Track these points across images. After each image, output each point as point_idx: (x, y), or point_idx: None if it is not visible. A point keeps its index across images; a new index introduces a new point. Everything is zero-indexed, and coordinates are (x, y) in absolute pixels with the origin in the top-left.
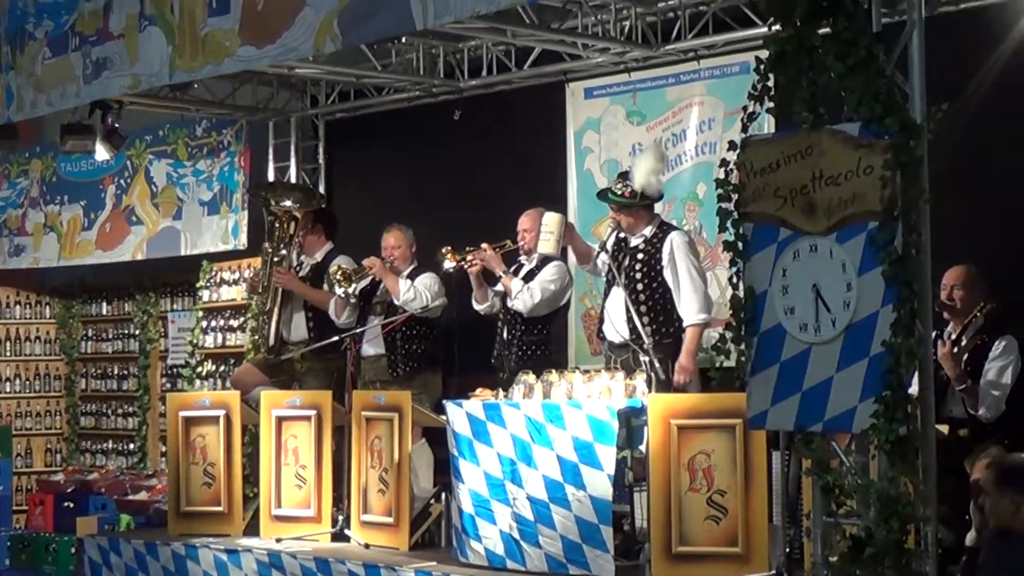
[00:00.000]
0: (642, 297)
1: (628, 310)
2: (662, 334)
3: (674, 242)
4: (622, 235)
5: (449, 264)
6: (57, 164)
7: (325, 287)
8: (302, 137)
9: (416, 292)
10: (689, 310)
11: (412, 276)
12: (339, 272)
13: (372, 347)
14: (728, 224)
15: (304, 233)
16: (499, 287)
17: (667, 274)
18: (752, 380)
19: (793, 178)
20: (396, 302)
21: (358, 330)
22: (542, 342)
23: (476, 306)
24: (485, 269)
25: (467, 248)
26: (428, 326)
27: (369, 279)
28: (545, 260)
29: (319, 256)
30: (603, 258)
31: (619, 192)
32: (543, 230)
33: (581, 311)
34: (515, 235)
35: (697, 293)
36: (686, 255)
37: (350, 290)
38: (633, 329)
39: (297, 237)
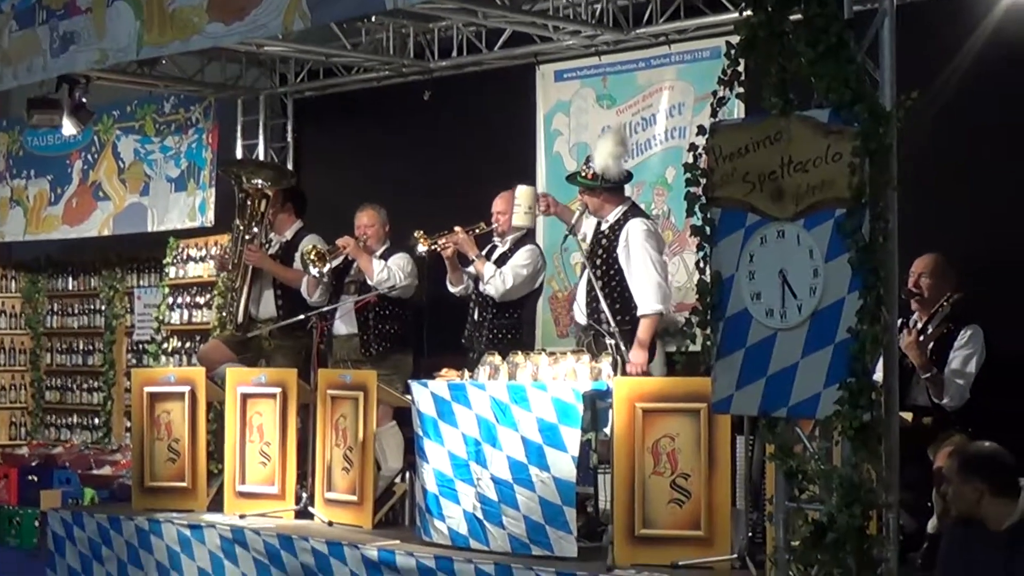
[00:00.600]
0: (602, 282)
1: (591, 293)
2: (620, 320)
3: (631, 229)
4: (592, 218)
5: (422, 248)
6: (24, 138)
7: (297, 266)
8: (271, 115)
9: (389, 272)
10: (641, 300)
11: (385, 256)
12: (313, 251)
13: (344, 326)
14: (696, 209)
15: (274, 211)
16: (472, 269)
17: (622, 261)
18: (717, 364)
19: (762, 164)
20: (369, 282)
21: (325, 309)
22: (513, 326)
23: (451, 288)
24: (459, 251)
25: (440, 232)
26: (401, 306)
27: (342, 258)
28: (518, 243)
29: (288, 234)
30: (570, 241)
31: (583, 175)
32: (515, 203)
33: (548, 293)
34: (487, 217)
35: (650, 283)
36: (642, 244)
37: (324, 269)
38: (595, 312)
39: (267, 215)
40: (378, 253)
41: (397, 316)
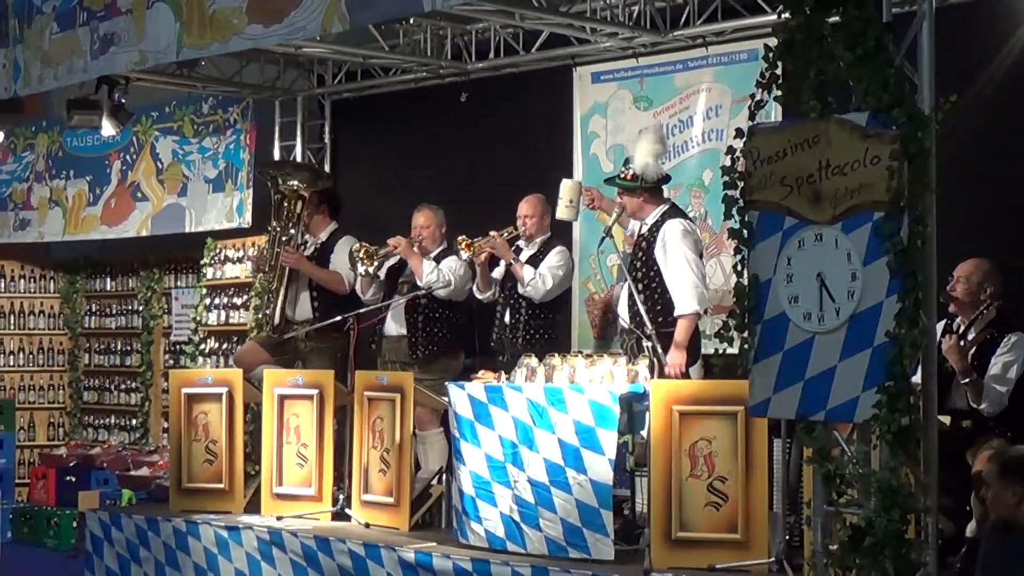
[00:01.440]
0: (641, 284)
1: (632, 296)
2: (659, 323)
3: (667, 230)
4: (631, 221)
5: (464, 254)
6: (63, 139)
7: (333, 267)
8: (308, 116)
9: (439, 274)
10: (679, 301)
11: (439, 258)
12: (362, 250)
13: (395, 327)
14: (733, 211)
15: (310, 212)
16: (496, 273)
17: (660, 261)
18: (755, 368)
19: (800, 167)
20: (419, 283)
21: (363, 310)
22: (548, 326)
23: (478, 294)
24: (493, 255)
25: (476, 238)
26: (451, 310)
27: (393, 258)
28: (547, 246)
29: (324, 236)
30: (607, 243)
31: (622, 176)
32: (559, 196)
33: (584, 296)
34: (515, 220)
35: (687, 284)
36: (679, 243)
37: (370, 269)
38: (636, 315)
39: (303, 216)
40: (433, 254)
41: (447, 319)
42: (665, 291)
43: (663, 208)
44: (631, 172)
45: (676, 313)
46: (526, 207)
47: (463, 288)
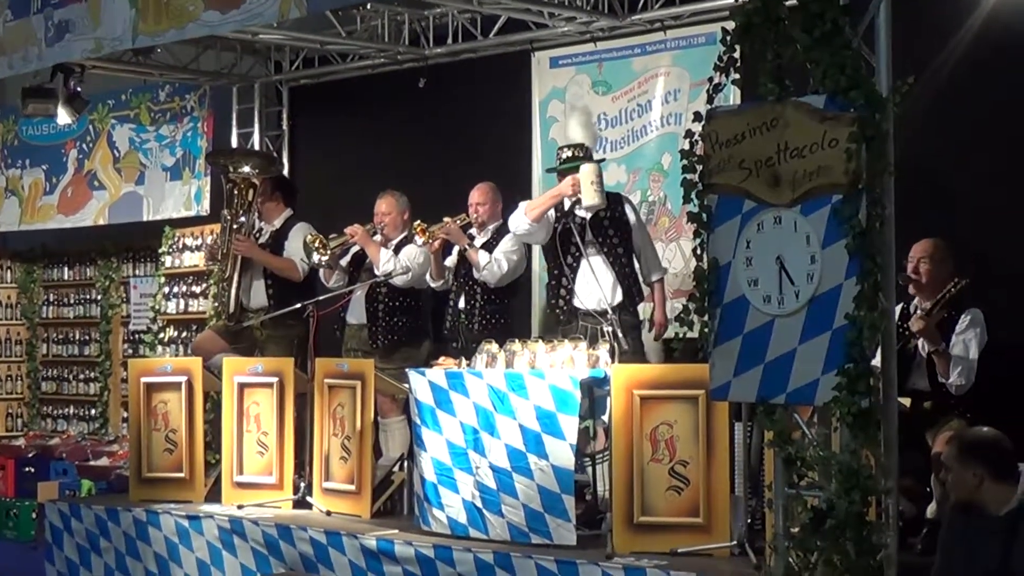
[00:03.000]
0: (625, 261)
1: (591, 277)
2: (639, 297)
3: (631, 205)
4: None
5: (419, 240)
6: (19, 128)
7: (288, 254)
8: (266, 103)
9: (396, 262)
10: (654, 267)
11: (403, 246)
12: (316, 240)
13: (355, 316)
14: (692, 195)
15: (263, 200)
16: (449, 260)
17: (635, 237)
18: (715, 351)
19: (758, 150)
20: (376, 272)
21: (322, 297)
22: (503, 311)
23: (431, 282)
24: (446, 243)
25: (430, 223)
26: (413, 298)
27: (356, 246)
28: (500, 233)
29: (278, 223)
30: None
31: (575, 154)
32: (586, 182)
33: (545, 280)
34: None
35: (654, 250)
36: (641, 218)
37: (324, 258)
38: (631, 296)
39: (256, 204)
40: (395, 241)
41: (408, 309)
42: (630, 264)
43: None
44: (587, 150)
45: (655, 277)
46: (477, 195)
47: (423, 275)
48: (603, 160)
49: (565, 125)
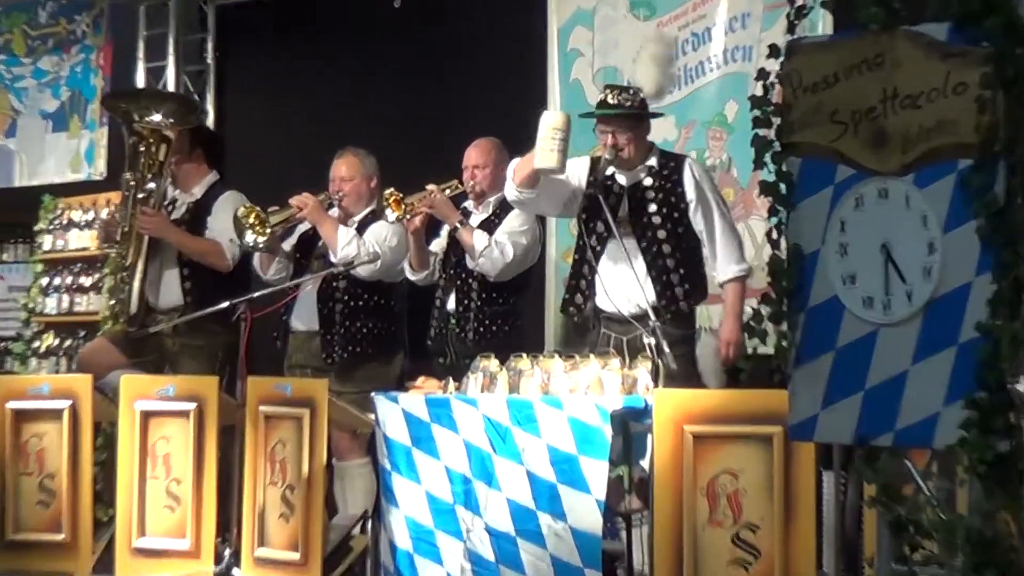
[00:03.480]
0: (666, 250)
1: (652, 271)
2: (695, 298)
3: (695, 171)
4: (609, 172)
5: (392, 215)
6: None
7: (213, 234)
8: (185, 29)
9: (361, 245)
10: (728, 260)
11: (368, 223)
12: (251, 214)
13: (302, 320)
14: (767, 158)
15: (178, 159)
16: (434, 246)
17: (695, 216)
18: (797, 373)
19: (857, 97)
20: (332, 258)
21: (257, 294)
22: (509, 315)
23: (410, 274)
24: (431, 220)
25: (407, 194)
26: (383, 296)
27: (303, 225)
28: (505, 206)
29: (199, 191)
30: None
31: (620, 102)
32: (545, 134)
33: (563, 274)
34: (461, 174)
35: (734, 236)
36: (713, 188)
37: (261, 239)
38: (669, 296)
39: (169, 165)
40: (357, 218)
41: (376, 310)
42: (697, 255)
43: (655, 149)
44: (640, 97)
45: (725, 277)
46: (476, 155)
47: (397, 264)
48: (659, 115)
49: (635, 63)
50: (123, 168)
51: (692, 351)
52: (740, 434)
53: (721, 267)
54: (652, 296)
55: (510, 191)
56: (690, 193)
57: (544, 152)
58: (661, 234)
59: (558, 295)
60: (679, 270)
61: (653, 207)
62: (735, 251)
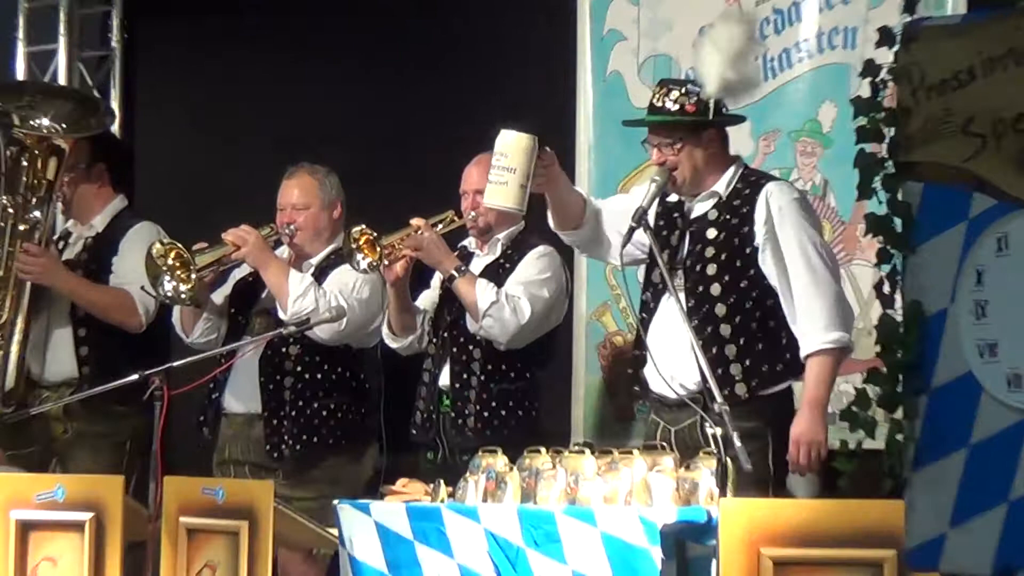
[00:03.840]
0: (719, 311)
1: (692, 338)
2: (759, 379)
3: (774, 201)
4: (674, 196)
5: (364, 260)
6: None
7: (120, 280)
8: (80, 1)
9: (320, 297)
10: (813, 324)
11: (328, 267)
12: (171, 253)
13: (239, 398)
14: (876, 183)
15: (73, 179)
16: (422, 301)
17: (765, 261)
18: (917, 478)
19: (1000, 101)
20: (281, 314)
21: (178, 363)
22: (522, 394)
23: (388, 339)
24: (417, 265)
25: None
26: (349, 367)
27: (239, 268)
28: (519, 245)
29: (100, 222)
30: (640, 240)
31: (670, 105)
32: (496, 161)
33: (597, 337)
34: (459, 202)
35: (824, 292)
36: (800, 222)
37: (185, 288)
38: (720, 376)
39: (60, 186)
40: (314, 260)
41: (340, 387)
42: (768, 317)
43: (736, 170)
44: (694, 98)
45: (809, 349)
46: (478, 175)
47: (370, 324)
48: (742, 120)
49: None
50: None
51: (767, 447)
52: (838, 560)
53: (802, 334)
54: (694, 374)
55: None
56: (759, 232)
57: (490, 186)
58: (715, 289)
59: (589, 366)
60: (738, 339)
61: (711, 251)
62: (823, 312)
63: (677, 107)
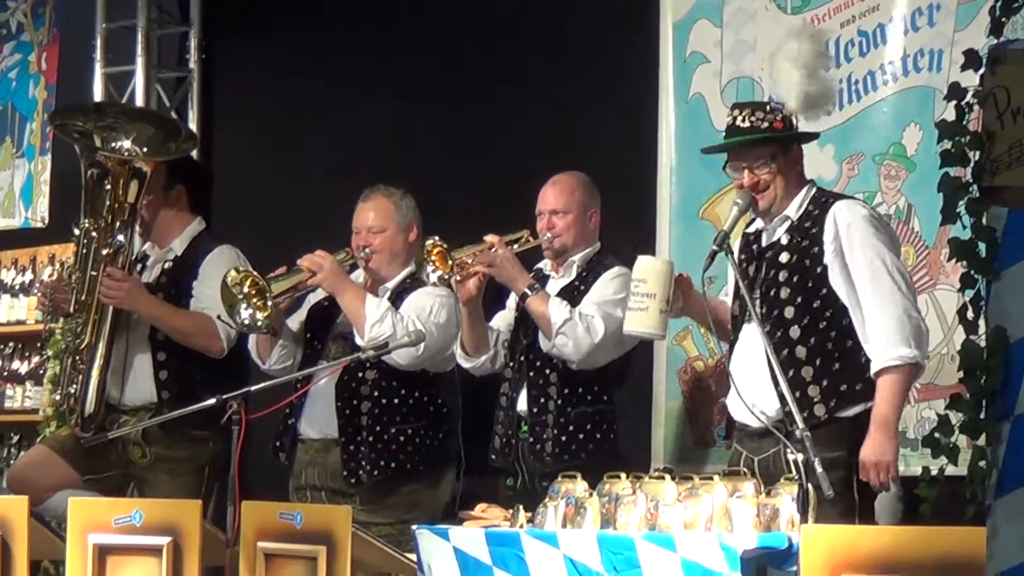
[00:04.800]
0: (793, 334)
1: (771, 363)
2: (836, 399)
3: (842, 219)
4: (753, 227)
5: (434, 273)
6: None
7: (201, 305)
8: (159, 20)
9: (398, 321)
10: (880, 341)
11: (405, 289)
12: (247, 280)
13: (315, 425)
14: (960, 208)
15: (152, 203)
16: (498, 322)
17: (835, 279)
18: (1000, 505)
19: None
20: (358, 340)
21: (256, 387)
22: (599, 418)
23: (461, 359)
24: (491, 284)
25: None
26: (427, 391)
27: (314, 293)
28: (593, 267)
29: (179, 245)
30: (731, 272)
31: (756, 123)
32: (635, 288)
33: (679, 363)
34: (534, 221)
35: (892, 308)
36: (869, 238)
37: (262, 315)
38: (798, 400)
39: (141, 210)
40: (391, 284)
41: (419, 412)
42: (842, 337)
43: (809, 190)
44: (780, 116)
45: (879, 364)
46: (554, 196)
47: (448, 348)
48: (811, 137)
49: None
50: (70, 212)
51: (851, 476)
52: None
53: (871, 351)
54: (772, 400)
55: None
56: (828, 250)
57: (629, 313)
58: (788, 312)
59: (670, 392)
60: (814, 360)
61: (783, 275)
62: (890, 328)
63: (766, 124)
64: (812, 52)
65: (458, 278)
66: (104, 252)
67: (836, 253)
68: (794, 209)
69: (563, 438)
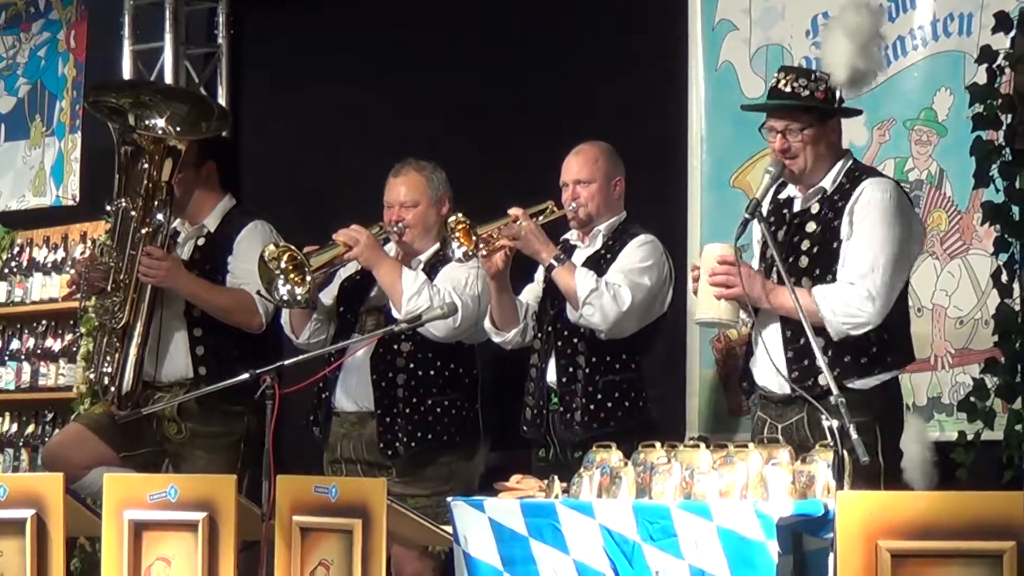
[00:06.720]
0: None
1: (790, 331)
2: (841, 371)
3: (868, 196)
4: (785, 193)
5: (459, 248)
6: None
7: (237, 280)
8: None
9: (434, 294)
10: (843, 306)
11: (437, 263)
12: (284, 255)
13: (350, 398)
14: (993, 171)
15: (184, 181)
16: (527, 295)
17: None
18: None
19: None
20: (395, 313)
21: (289, 361)
22: (628, 386)
23: (491, 333)
24: (518, 257)
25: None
26: (462, 364)
27: (346, 268)
28: (619, 236)
29: (212, 222)
30: (757, 235)
31: (797, 90)
32: (706, 279)
33: (711, 332)
34: (559, 192)
35: (866, 287)
36: (887, 219)
37: (300, 289)
38: (805, 368)
39: (175, 188)
40: (423, 257)
41: (453, 383)
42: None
43: (845, 164)
44: (823, 86)
45: (825, 312)
46: (578, 166)
47: (482, 319)
48: (855, 113)
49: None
50: (102, 190)
51: (876, 442)
52: (956, 552)
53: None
54: (820, 364)
55: None
56: (845, 226)
57: (700, 300)
58: (805, 282)
59: (703, 360)
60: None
61: (806, 244)
62: (848, 299)
63: (807, 93)
64: (871, 28)
65: (484, 253)
66: (143, 231)
67: (849, 231)
68: (829, 181)
69: (592, 407)
